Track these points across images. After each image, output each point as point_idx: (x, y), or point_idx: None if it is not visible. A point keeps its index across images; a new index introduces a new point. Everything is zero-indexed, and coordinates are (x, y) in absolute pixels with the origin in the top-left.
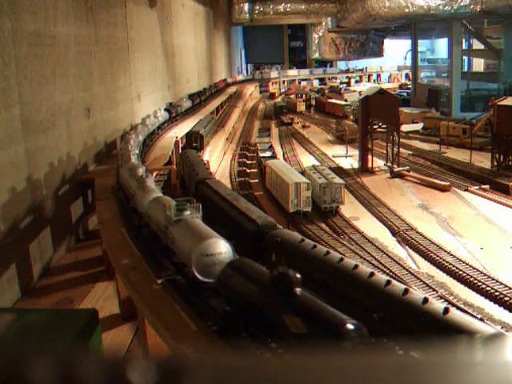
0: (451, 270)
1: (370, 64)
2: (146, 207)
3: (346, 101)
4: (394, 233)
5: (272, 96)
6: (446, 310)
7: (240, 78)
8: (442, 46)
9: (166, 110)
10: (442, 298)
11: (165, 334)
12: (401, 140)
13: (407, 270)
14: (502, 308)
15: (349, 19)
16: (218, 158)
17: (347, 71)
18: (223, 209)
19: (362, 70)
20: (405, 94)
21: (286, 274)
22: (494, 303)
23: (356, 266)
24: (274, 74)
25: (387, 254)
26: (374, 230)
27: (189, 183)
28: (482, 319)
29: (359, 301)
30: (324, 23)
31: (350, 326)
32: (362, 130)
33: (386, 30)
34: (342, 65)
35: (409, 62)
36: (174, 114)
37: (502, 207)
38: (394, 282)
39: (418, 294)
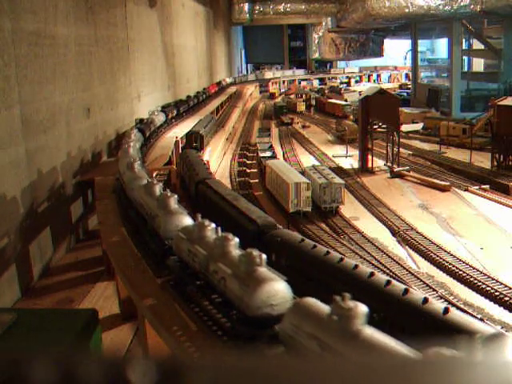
0: (451, 270)
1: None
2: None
3: (346, 101)
4: (393, 233)
5: (272, 96)
6: (446, 310)
7: (228, 80)
8: (442, 46)
9: (138, 129)
10: (442, 297)
11: (165, 334)
12: (401, 140)
13: (407, 270)
14: (502, 308)
15: (349, 19)
16: (218, 158)
17: (312, 72)
18: (223, 209)
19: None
20: (405, 94)
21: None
22: (494, 303)
23: (356, 266)
24: (251, 77)
25: (387, 254)
26: (374, 230)
27: (189, 183)
28: (482, 319)
29: (359, 301)
30: (324, 23)
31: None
32: (362, 130)
33: (386, 30)
34: (341, 64)
35: (409, 62)
36: (148, 134)
37: (502, 207)
38: (394, 281)
39: (418, 293)
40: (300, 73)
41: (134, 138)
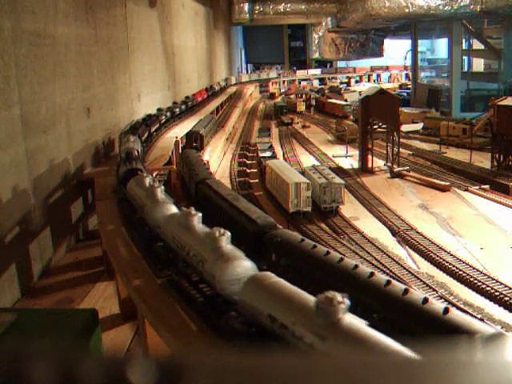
0: (451, 270)
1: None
2: None
3: (346, 101)
4: (394, 233)
5: (272, 96)
6: (446, 310)
7: (223, 83)
8: (442, 46)
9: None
10: (442, 297)
11: (165, 334)
12: (401, 140)
13: (407, 270)
14: (501, 308)
15: (349, 19)
16: (218, 158)
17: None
18: (223, 209)
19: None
20: (405, 94)
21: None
22: (494, 303)
23: (356, 266)
24: (233, 80)
25: (387, 254)
26: (373, 230)
27: (189, 183)
28: (482, 319)
29: (359, 301)
30: (324, 23)
31: None
32: (362, 130)
33: (386, 30)
34: (341, 64)
35: (409, 62)
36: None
37: (501, 207)
38: (393, 282)
39: (418, 294)
40: (273, 74)
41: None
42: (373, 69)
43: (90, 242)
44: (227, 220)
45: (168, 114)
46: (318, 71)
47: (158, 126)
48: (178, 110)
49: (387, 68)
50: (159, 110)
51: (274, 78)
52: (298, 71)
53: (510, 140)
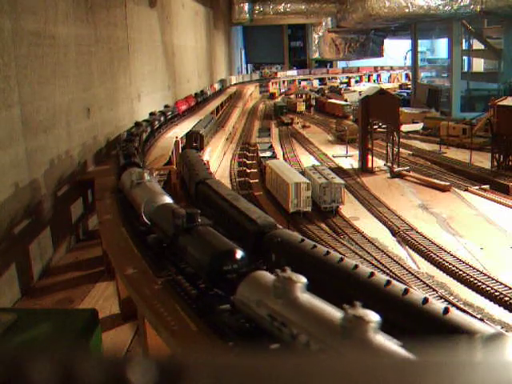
0: (451, 270)
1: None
2: None
3: (346, 101)
4: (394, 233)
5: (272, 96)
6: (446, 310)
7: (217, 87)
8: (442, 46)
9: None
10: (441, 298)
11: (165, 334)
12: (401, 140)
13: (407, 270)
14: (502, 308)
15: (349, 19)
16: (218, 158)
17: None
18: (223, 209)
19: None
20: (405, 94)
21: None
22: (494, 303)
23: (356, 266)
24: (226, 82)
25: (387, 254)
26: (373, 230)
27: (189, 183)
28: (482, 319)
29: (359, 300)
30: (324, 23)
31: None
32: (362, 130)
33: (386, 30)
34: (341, 64)
35: (409, 62)
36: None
37: (501, 207)
38: (393, 282)
39: (418, 294)
40: (257, 77)
41: None
42: (344, 70)
43: (90, 242)
44: (227, 220)
45: (148, 129)
46: (294, 72)
47: (141, 147)
48: (157, 122)
49: (358, 69)
50: (137, 124)
51: (257, 81)
52: (279, 73)
53: (510, 140)
